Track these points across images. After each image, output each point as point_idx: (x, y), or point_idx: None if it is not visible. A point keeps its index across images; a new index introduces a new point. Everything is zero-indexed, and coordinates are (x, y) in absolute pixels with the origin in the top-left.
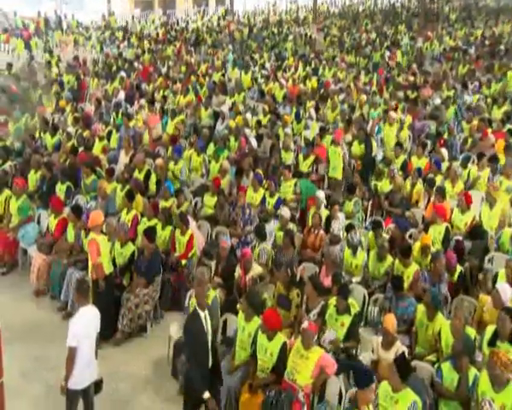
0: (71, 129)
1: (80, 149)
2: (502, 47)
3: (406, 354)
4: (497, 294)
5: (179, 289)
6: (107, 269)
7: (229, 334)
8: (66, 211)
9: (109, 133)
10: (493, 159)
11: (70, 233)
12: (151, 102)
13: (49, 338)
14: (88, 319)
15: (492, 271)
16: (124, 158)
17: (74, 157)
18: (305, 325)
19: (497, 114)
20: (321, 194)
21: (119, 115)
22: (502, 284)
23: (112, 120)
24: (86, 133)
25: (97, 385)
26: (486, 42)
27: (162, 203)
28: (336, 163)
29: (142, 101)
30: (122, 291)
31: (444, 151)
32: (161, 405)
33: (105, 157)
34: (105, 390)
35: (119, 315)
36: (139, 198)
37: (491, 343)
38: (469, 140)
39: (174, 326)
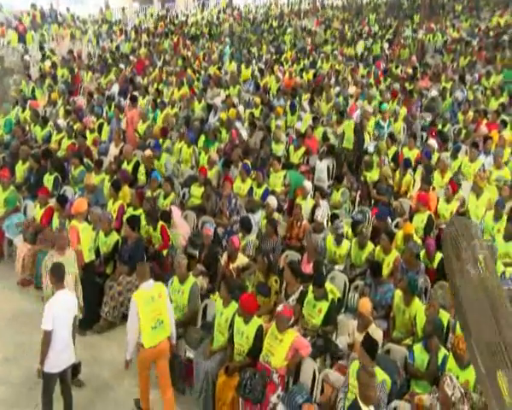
0: (61, 121)
1: (70, 140)
2: (506, 38)
3: (381, 336)
4: None
5: (162, 278)
6: (87, 257)
7: (208, 319)
8: (53, 201)
9: (100, 126)
10: (474, 145)
11: (55, 223)
12: (134, 98)
13: (34, 326)
14: (64, 302)
15: None
16: (113, 150)
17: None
18: (279, 308)
19: (494, 105)
20: (308, 184)
21: (112, 108)
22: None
23: (104, 112)
24: (77, 126)
25: (75, 369)
26: (491, 33)
27: (149, 194)
28: (349, 135)
29: (136, 94)
30: (105, 280)
31: (433, 142)
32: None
33: (95, 149)
34: (87, 377)
35: (101, 303)
36: (126, 189)
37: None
38: (463, 131)
39: None
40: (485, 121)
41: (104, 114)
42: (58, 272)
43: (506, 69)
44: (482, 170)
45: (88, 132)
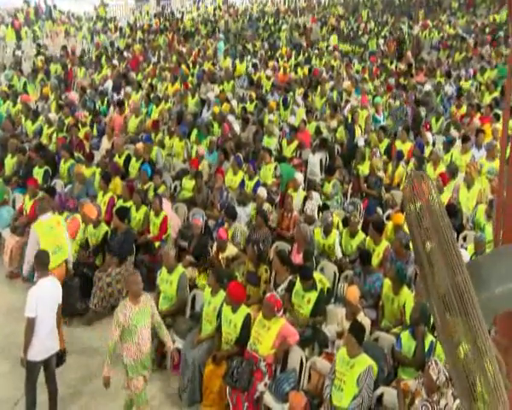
0: (52, 115)
1: (61, 134)
2: (501, 34)
3: (369, 324)
4: None
5: (153, 270)
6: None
7: (197, 310)
8: (41, 194)
9: (93, 120)
10: (465, 139)
11: None
12: (121, 103)
13: (21, 318)
14: (47, 290)
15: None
16: (106, 144)
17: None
18: (266, 296)
19: (488, 100)
20: (299, 176)
21: (104, 103)
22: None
23: (97, 107)
24: (69, 120)
25: (60, 358)
26: (487, 29)
27: (139, 186)
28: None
29: (128, 89)
30: (94, 271)
31: (428, 135)
32: None
33: (87, 143)
34: (74, 366)
35: (90, 295)
36: (118, 181)
37: None
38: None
39: None
40: (478, 115)
41: (97, 109)
42: (41, 260)
43: (501, 65)
44: (473, 162)
45: (80, 126)
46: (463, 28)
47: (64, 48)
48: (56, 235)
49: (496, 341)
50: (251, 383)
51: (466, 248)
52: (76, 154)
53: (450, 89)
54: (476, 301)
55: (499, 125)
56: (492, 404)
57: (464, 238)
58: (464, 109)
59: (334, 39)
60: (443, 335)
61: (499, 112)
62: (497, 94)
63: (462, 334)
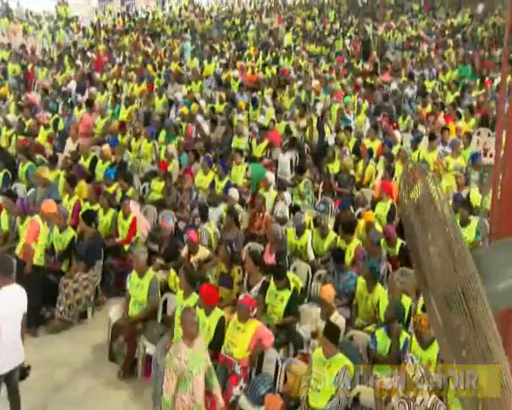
0: (11, 117)
1: (21, 136)
2: (459, 36)
3: (343, 323)
4: None
5: (123, 275)
6: (38, 260)
7: (169, 314)
8: (1, 198)
9: (56, 122)
10: (432, 136)
11: (4, 220)
12: (90, 103)
13: None
14: (10, 298)
15: None
16: (70, 145)
17: None
18: (240, 298)
19: (451, 99)
20: (270, 175)
21: (68, 104)
22: None
23: (59, 108)
24: (30, 122)
25: (23, 371)
26: (446, 31)
27: (106, 188)
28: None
29: (93, 90)
30: (60, 278)
31: (396, 133)
32: (99, 390)
33: (50, 145)
34: (39, 378)
35: (56, 302)
36: (83, 184)
37: (424, 309)
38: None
39: (114, 309)
40: (442, 114)
41: (60, 111)
42: (5, 266)
43: (461, 65)
44: (440, 159)
45: (42, 128)
46: (425, 30)
47: (23, 47)
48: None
49: None
50: (226, 387)
51: None
52: (38, 156)
53: (410, 91)
54: (485, 299)
55: (462, 124)
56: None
57: None
58: (429, 108)
59: (288, 38)
60: (442, 331)
61: (461, 111)
62: (458, 93)
63: (469, 333)
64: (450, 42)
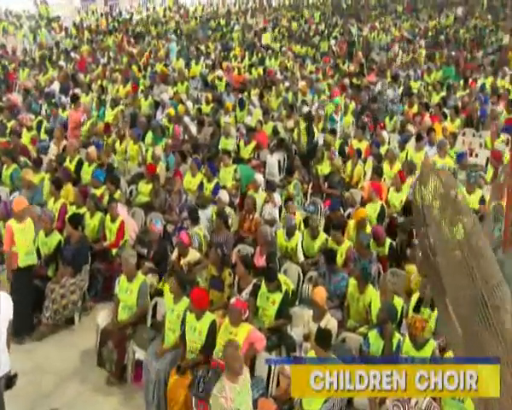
0: None
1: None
2: (442, 38)
3: (336, 325)
4: (419, 261)
5: (111, 279)
6: (23, 262)
7: (159, 318)
8: None
9: (39, 124)
10: (419, 137)
11: None
12: (75, 98)
13: None
14: None
15: None
16: (54, 149)
17: None
18: (232, 301)
19: (436, 99)
20: (259, 177)
21: (51, 106)
22: None
23: (43, 110)
24: (12, 123)
25: (10, 380)
26: (429, 33)
27: (93, 191)
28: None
29: (77, 91)
30: (47, 283)
31: (384, 134)
32: (87, 396)
33: (34, 148)
34: (27, 385)
35: (42, 308)
36: (69, 187)
37: (416, 309)
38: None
39: (102, 314)
40: (428, 114)
41: (43, 112)
42: None
43: (445, 66)
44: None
45: (25, 130)
46: (408, 31)
47: (3, 47)
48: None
49: None
50: None
51: None
52: (22, 159)
53: (392, 93)
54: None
55: (448, 124)
56: None
57: None
58: (415, 108)
59: (265, 38)
60: (461, 340)
61: (447, 111)
62: (444, 94)
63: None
64: (422, 42)
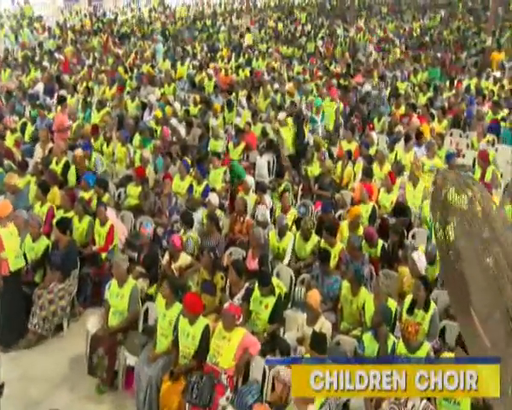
0: None
1: None
2: (427, 39)
3: (330, 328)
4: (412, 262)
5: (100, 284)
6: (14, 265)
7: (150, 323)
8: None
9: (23, 126)
10: (407, 138)
11: None
12: (62, 99)
13: None
14: None
15: (413, 246)
16: (39, 151)
17: None
18: (225, 306)
19: (423, 100)
20: (249, 179)
21: (35, 107)
22: (416, 252)
23: (26, 112)
24: None
25: None
26: (414, 34)
27: (81, 195)
28: (329, 116)
29: (63, 92)
30: (33, 289)
31: (373, 135)
32: (77, 404)
33: (18, 151)
34: (14, 394)
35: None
36: (56, 191)
37: (410, 311)
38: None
39: (92, 320)
40: (415, 115)
41: (27, 114)
42: None
43: (430, 67)
44: (416, 160)
45: (9, 133)
46: (393, 32)
47: None
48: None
49: None
50: (212, 398)
51: (417, 248)
52: (6, 162)
53: (373, 92)
54: None
55: (435, 125)
56: None
57: (413, 236)
58: (403, 109)
59: (248, 38)
60: (490, 353)
61: (434, 112)
62: (430, 94)
63: None
64: (397, 42)
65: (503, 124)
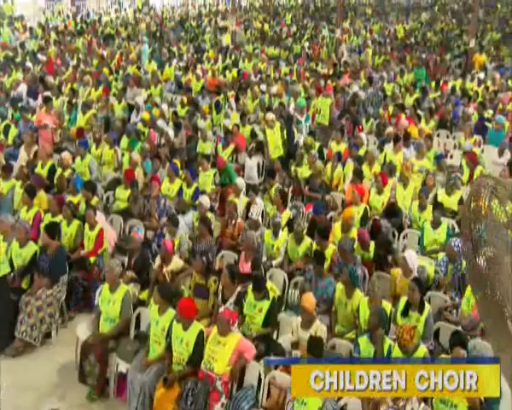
0: None
1: None
2: (412, 40)
3: (325, 332)
4: (404, 262)
5: (89, 289)
6: (1, 271)
7: (142, 328)
8: None
9: (6, 128)
10: (396, 138)
11: None
12: (47, 100)
13: None
14: None
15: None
16: (24, 155)
17: None
18: (220, 310)
19: (410, 101)
20: (240, 181)
21: (18, 110)
22: (407, 252)
23: (9, 114)
24: None
25: None
26: (398, 35)
27: (69, 199)
28: (324, 111)
29: (48, 93)
30: (21, 295)
31: (363, 136)
32: None
33: (1, 154)
34: (2, 404)
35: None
36: (42, 194)
37: (404, 313)
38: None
39: (82, 326)
40: (403, 116)
41: (9, 116)
42: None
43: (416, 68)
44: (405, 161)
45: None
46: (378, 33)
47: None
48: None
49: None
50: (207, 404)
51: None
52: None
53: (363, 94)
54: None
55: (423, 125)
56: None
57: (404, 237)
58: (391, 110)
59: (226, 38)
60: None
61: (421, 113)
62: (417, 95)
63: None
64: (370, 42)
65: (488, 125)
